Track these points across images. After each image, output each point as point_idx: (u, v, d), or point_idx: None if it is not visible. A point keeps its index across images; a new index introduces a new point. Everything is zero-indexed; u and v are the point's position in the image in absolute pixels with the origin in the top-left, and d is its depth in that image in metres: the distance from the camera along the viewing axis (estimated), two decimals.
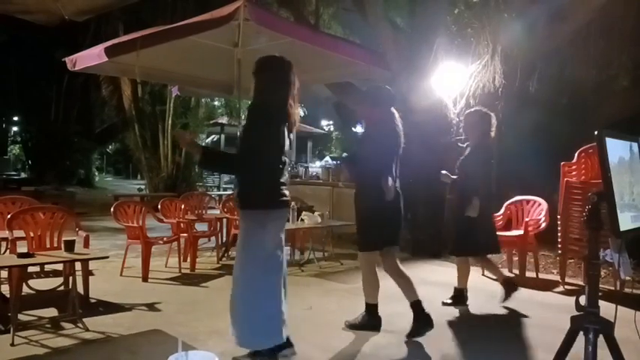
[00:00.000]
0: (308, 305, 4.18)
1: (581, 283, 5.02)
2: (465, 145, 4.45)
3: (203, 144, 15.23)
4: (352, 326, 3.62)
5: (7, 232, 4.01)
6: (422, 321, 3.48)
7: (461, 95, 6.39)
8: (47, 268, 4.00)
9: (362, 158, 3.54)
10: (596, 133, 1.65)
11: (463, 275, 4.31)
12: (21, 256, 3.41)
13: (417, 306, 3.50)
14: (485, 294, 4.77)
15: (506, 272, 5.66)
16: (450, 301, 4.31)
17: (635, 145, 1.90)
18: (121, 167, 32.65)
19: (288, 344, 2.91)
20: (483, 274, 5.49)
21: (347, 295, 4.62)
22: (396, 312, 4.05)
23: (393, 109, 3.57)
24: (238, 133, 3.03)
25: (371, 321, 3.61)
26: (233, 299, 2.82)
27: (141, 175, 17.64)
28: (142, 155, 13.07)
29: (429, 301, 4.41)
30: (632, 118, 5.38)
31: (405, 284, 3.54)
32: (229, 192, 11.59)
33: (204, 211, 6.79)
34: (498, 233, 5.44)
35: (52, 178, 16.15)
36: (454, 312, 4.16)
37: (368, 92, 3.75)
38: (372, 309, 3.62)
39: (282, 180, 2.84)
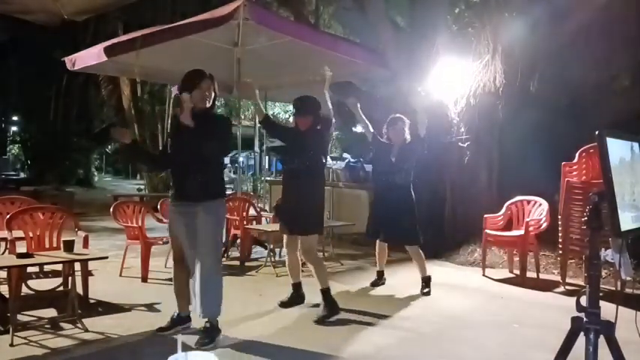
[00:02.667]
0: (307, 304, 4.18)
1: (582, 283, 5.01)
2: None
3: None
4: (323, 320, 3.78)
5: (7, 232, 4.00)
6: (331, 306, 3.86)
7: (461, 95, 6.39)
8: (46, 268, 3.98)
9: (309, 153, 3.92)
10: (597, 133, 1.64)
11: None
12: (20, 256, 3.40)
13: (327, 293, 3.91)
14: (485, 294, 4.77)
15: (506, 273, 5.66)
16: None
17: (636, 145, 1.89)
18: (120, 167, 32.60)
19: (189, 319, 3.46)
20: (484, 275, 5.49)
21: (347, 296, 4.62)
22: (397, 313, 4.05)
23: (322, 114, 4.02)
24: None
25: (335, 305, 3.88)
26: (207, 278, 3.18)
27: (140, 175, 17.63)
28: None
29: (429, 300, 4.43)
30: (632, 118, 5.37)
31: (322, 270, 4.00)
32: (229, 192, 11.57)
33: None
34: (499, 233, 5.48)
35: (51, 178, 16.12)
36: (454, 312, 4.16)
37: (302, 100, 4.09)
38: (329, 293, 3.91)
39: None
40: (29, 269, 3.77)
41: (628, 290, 4.21)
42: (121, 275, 5.11)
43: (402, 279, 5.09)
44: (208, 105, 3.28)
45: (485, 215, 5.61)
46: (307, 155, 3.92)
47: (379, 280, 5.00)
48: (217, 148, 3.25)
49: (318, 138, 4.01)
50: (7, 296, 3.51)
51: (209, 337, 3.19)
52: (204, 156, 3.20)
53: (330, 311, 3.83)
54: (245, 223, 6.19)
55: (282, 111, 17.07)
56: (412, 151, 4.65)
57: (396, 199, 4.57)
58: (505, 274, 5.60)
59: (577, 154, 5.15)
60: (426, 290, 4.65)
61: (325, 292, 3.90)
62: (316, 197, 3.98)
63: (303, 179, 3.93)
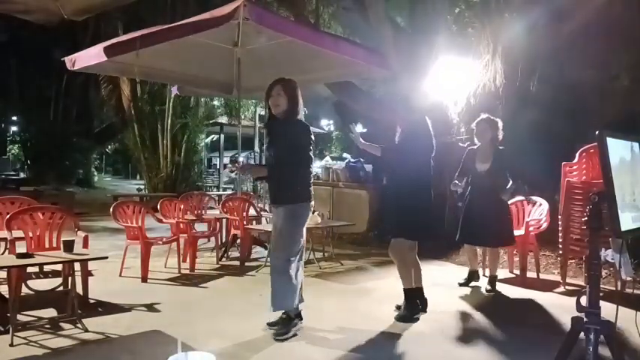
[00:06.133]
0: (307, 305, 4.17)
1: (582, 283, 5.02)
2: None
3: (202, 142, 15.36)
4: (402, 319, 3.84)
5: (6, 232, 4.00)
6: (411, 307, 3.90)
7: (461, 95, 6.38)
8: (46, 268, 3.98)
9: (403, 161, 3.82)
10: (597, 133, 1.64)
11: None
12: (20, 256, 3.40)
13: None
14: (485, 294, 4.77)
15: (506, 273, 5.66)
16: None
17: (636, 145, 1.89)
18: (120, 167, 32.64)
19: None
20: (484, 275, 5.48)
21: (347, 296, 4.62)
22: (397, 313, 4.04)
23: (427, 117, 3.96)
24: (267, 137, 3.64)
25: (415, 307, 3.92)
26: (275, 275, 3.43)
27: (140, 175, 17.63)
28: (141, 155, 13.05)
29: (429, 301, 4.43)
30: (632, 118, 5.37)
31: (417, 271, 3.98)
32: (229, 192, 11.58)
33: (203, 212, 6.79)
34: None
35: (51, 178, 16.12)
36: (455, 312, 4.16)
37: (404, 100, 4.17)
38: (410, 293, 3.94)
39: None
40: (29, 269, 3.76)
41: (628, 290, 4.23)
42: (120, 275, 5.11)
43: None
44: (280, 110, 3.41)
45: None
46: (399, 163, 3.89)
47: (476, 278, 5.04)
48: (285, 153, 3.37)
49: (411, 146, 3.86)
50: (7, 296, 3.51)
51: (285, 327, 3.43)
52: (276, 161, 3.41)
53: (410, 311, 3.86)
54: (245, 223, 6.19)
55: None
56: (500, 154, 4.68)
57: (487, 203, 4.60)
58: (505, 274, 5.60)
59: (577, 154, 5.15)
60: (488, 288, 4.79)
61: (407, 292, 3.90)
62: (409, 202, 3.83)
63: (397, 186, 3.92)
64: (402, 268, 3.92)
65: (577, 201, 4.90)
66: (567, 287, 4.97)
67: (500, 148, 4.74)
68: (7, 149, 23.20)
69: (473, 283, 5.02)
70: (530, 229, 5.20)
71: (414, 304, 3.90)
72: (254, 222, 6.51)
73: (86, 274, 4.11)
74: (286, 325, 3.45)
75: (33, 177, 16.92)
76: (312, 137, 3.45)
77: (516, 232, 5.40)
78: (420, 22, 7.02)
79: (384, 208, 4.19)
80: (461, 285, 4.97)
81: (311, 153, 3.46)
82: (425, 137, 3.86)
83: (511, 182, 4.61)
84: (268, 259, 5.63)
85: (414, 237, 3.90)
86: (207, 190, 14.11)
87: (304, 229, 3.51)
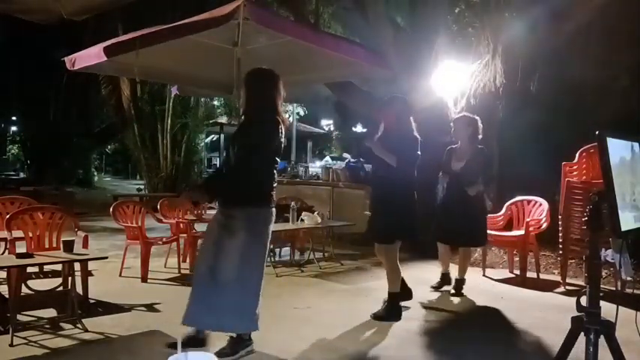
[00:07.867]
0: (307, 305, 4.18)
1: (582, 283, 5.01)
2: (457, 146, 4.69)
3: (202, 142, 15.32)
4: (379, 317, 3.85)
5: (6, 232, 4.00)
6: (391, 310, 3.88)
7: (461, 95, 6.38)
8: (46, 268, 3.98)
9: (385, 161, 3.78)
10: (597, 133, 1.64)
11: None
12: (20, 256, 3.40)
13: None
14: (485, 294, 4.77)
15: (506, 273, 5.66)
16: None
17: (636, 144, 1.89)
18: (119, 167, 32.64)
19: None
20: (484, 275, 5.48)
21: (347, 296, 4.62)
22: None
23: (412, 118, 3.94)
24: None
25: (396, 311, 3.88)
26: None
27: (140, 175, 17.63)
28: (141, 155, 13.05)
29: (429, 300, 4.44)
30: (633, 118, 5.37)
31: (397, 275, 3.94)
32: None
33: (203, 212, 6.78)
34: (499, 233, 5.48)
35: (51, 178, 16.12)
36: (454, 312, 4.16)
37: (390, 100, 4.07)
38: (395, 297, 3.92)
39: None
40: (29, 269, 3.76)
41: (628, 290, 4.22)
42: (120, 275, 5.11)
43: None
44: (241, 103, 3.31)
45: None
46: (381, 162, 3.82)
47: (446, 283, 4.80)
48: (237, 152, 3.09)
49: (396, 146, 3.80)
50: (7, 296, 3.51)
51: (231, 347, 2.98)
52: (234, 159, 3.10)
53: (388, 314, 3.85)
54: None
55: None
56: (477, 154, 4.54)
57: (460, 202, 4.47)
58: (505, 274, 5.60)
59: (577, 154, 5.15)
60: (453, 292, 4.62)
61: (391, 296, 3.90)
62: (386, 205, 3.86)
63: (382, 186, 3.94)
64: (391, 273, 3.90)
65: (577, 201, 4.90)
66: (567, 287, 4.98)
67: (480, 147, 4.57)
68: (7, 149, 23.21)
69: (445, 287, 4.78)
70: (530, 229, 5.20)
71: (396, 309, 3.89)
72: None
73: (86, 274, 4.10)
74: (234, 345, 2.98)
75: (33, 177, 16.94)
76: (279, 137, 3.05)
77: (516, 232, 5.41)
78: (420, 22, 7.01)
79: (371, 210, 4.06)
80: (434, 289, 4.74)
81: (274, 154, 3.08)
82: (412, 145, 3.84)
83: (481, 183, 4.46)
84: (268, 259, 5.65)
85: (402, 238, 3.97)
86: None
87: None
